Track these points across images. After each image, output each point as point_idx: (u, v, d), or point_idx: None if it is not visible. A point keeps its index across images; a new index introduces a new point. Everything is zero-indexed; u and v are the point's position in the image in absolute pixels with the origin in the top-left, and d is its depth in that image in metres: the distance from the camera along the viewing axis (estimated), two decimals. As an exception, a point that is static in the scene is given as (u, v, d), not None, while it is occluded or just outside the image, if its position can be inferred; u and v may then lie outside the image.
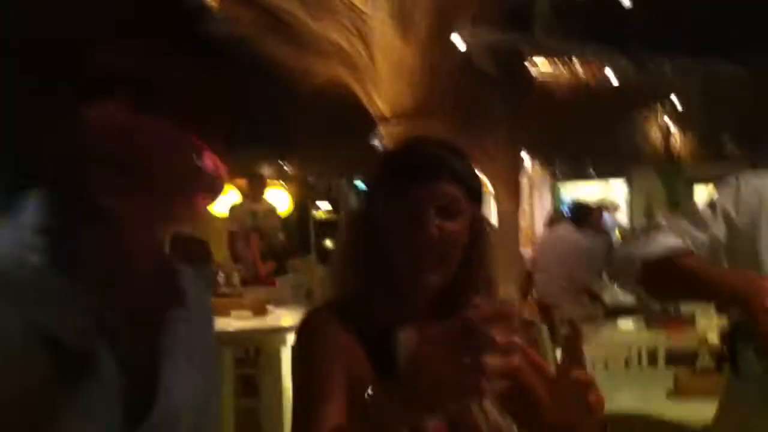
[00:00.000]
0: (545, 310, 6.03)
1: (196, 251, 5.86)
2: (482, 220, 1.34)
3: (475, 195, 1.31)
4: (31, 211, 0.80)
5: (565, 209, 9.93)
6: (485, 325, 0.82)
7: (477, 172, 1.33)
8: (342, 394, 1.13)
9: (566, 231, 6.66)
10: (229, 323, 4.38)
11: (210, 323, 1.13)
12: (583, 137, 8.61)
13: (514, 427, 1.31)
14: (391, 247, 1.27)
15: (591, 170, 12.21)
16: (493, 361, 0.80)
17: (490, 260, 1.34)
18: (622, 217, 12.85)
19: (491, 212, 6.95)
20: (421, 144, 1.38)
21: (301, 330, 1.29)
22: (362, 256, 1.31)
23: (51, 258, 0.76)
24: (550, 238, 7.00)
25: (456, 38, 4.61)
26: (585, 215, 6.93)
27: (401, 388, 0.88)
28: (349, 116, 5.49)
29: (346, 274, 1.35)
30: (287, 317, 4.85)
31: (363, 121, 4.88)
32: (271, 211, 7.61)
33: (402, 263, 1.26)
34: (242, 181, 7.89)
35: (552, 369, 1.21)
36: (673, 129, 10.03)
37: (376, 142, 5.42)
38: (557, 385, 1.14)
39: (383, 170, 1.34)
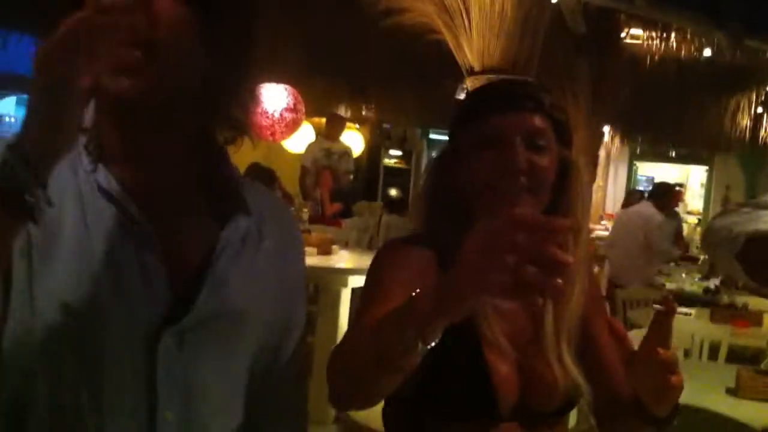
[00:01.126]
0: (613, 290, 5.92)
1: (261, 178, 5.84)
2: (571, 161, 1.28)
3: (562, 132, 1.27)
4: None
5: (643, 187, 9.68)
6: (524, 229, 0.74)
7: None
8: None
9: (645, 208, 6.56)
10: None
11: (294, 246, 1.11)
12: (669, 117, 8.34)
13: (588, 388, 1.25)
14: (478, 181, 1.23)
15: (672, 152, 11.85)
16: (520, 264, 0.72)
17: (578, 203, 1.28)
18: (698, 203, 12.55)
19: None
20: (507, 80, 1.40)
21: (381, 248, 1.30)
22: (446, 193, 1.28)
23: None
24: (627, 214, 6.92)
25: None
26: (667, 196, 6.80)
27: (441, 281, 0.85)
28: (434, 66, 5.37)
29: (429, 211, 1.31)
30: (350, 259, 4.84)
31: (448, 72, 4.76)
32: (347, 152, 7.52)
33: (488, 197, 1.21)
34: (320, 120, 7.85)
35: (631, 341, 1.17)
36: (764, 119, 9.63)
37: (460, 96, 5.30)
38: (639, 359, 1.11)
39: (469, 106, 1.31)
